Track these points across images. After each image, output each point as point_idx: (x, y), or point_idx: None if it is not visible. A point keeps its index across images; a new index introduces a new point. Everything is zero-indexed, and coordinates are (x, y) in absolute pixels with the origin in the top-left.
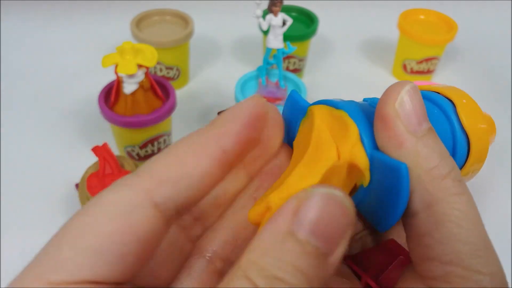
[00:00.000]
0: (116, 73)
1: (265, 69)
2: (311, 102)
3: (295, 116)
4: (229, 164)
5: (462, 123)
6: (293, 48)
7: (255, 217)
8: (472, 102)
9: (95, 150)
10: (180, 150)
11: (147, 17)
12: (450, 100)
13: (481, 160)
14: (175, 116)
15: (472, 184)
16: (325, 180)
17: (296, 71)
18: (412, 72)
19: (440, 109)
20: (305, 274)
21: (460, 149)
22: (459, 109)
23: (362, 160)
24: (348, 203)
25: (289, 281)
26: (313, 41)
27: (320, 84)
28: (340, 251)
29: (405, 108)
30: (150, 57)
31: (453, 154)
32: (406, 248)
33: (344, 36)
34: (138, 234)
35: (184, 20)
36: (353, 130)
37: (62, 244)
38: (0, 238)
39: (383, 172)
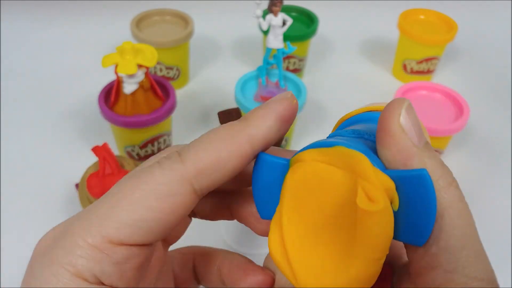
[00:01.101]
0: (116, 73)
1: (265, 69)
2: (311, 105)
3: (271, 180)
4: (254, 158)
5: None
6: (293, 48)
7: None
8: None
9: (95, 150)
10: (216, 139)
11: (147, 17)
12: None
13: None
14: (175, 116)
15: (472, 184)
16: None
17: (296, 71)
18: (412, 72)
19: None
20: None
21: None
22: None
23: (390, 182)
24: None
25: None
26: (313, 41)
27: (320, 84)
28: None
29: (407, 123)
30: (150, 57)
31: None
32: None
33: (344, 36)
34: (177, 215)
35: (184, 20)
36: (363, 158)
37: (119, 210)
38: (0, 238)
39: (404, 187)
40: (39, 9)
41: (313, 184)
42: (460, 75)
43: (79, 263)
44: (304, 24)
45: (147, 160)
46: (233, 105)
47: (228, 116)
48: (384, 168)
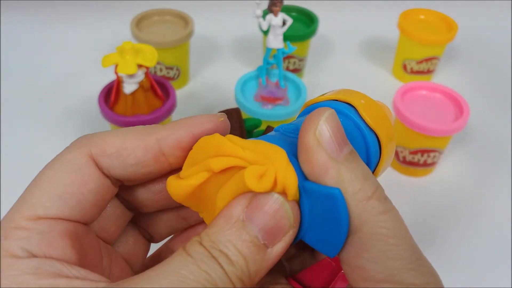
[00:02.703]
0: (116, 73)
1: (265, 69)
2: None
3: None
4: (168, 162)
5: (367, 122)
6: (293, 48)
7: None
8: (369, 99)
9: None
10: (126, 132)
11: (147, 17)
12: (349, 104)
13: (392, 140)
14: (175, 116)
15: (472, 184)
16: None
17: (296, 71)
18: (412, 72)
19: (345, 116)
20: (245, 257)
21: (373, 147)
22: (360, 111)
23: (293, 180)
24: (289, 209)
25: (231, 257)
26: (313, 41)
27: (320, 84)
28: (280, 246)
29: (325, 135)
30: (150, 57)
31: (368, 154)
32: None
33: (344, 36)
34: (88, 187)
35: (184, 20)
36: (282, 152)
37: (34, 191)
38: (0, 238)
39: (319, 201)
40: (39, 9)
41: (206, 148)
42: (460, 75)
43: (8, 244)
44: (304, 24)
45: None
46: (233, 105)
47: (228, 116)
48: (304, 178)
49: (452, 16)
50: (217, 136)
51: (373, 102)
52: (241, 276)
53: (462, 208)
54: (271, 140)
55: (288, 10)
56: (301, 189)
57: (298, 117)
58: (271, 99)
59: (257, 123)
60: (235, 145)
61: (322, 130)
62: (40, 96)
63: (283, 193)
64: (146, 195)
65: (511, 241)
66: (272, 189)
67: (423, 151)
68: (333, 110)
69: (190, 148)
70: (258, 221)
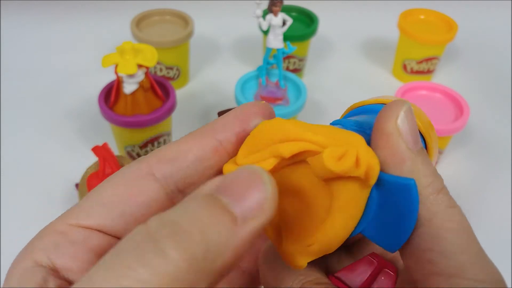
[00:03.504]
0: (116, 73)
1: (265, 69)
2: (311, 105)
3: None
4: (227, 152)
5: (418, 127)
6: (293, 48)
7: None
8: (414, 105)
9: (95, 150)
10: (180, 140)
11: (147, 17)
12: None
13: (436, 144)
14: (175, 116)
15: (472, 183)
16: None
17: (296, 71)
18: (412, 72)
19: None
20: (205, 231)
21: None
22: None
23: (375, 161)
24: (266, 177)
25: (188, 231)
26: (313, 41)
27: (320, 84)
28: (252, 224)
29: (405, 126)
30: (150, 57)
31: None
32: (388, 261)
33: (344, 36)
34: (137, 199)
35: (184, 20)
36: (360, 137)
37: (83, 200)
38: (0, 238)
39: (389, 191)
40: (39, 9)
41: (270, 133)
42: (460, 75)
43: (38, 247)
44: (304, 24)
45: None
46: (233, 105)
47: None
48: None
49: (452, 16)
50: (280, 120)
51: (418, 108)
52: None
53: (462, 208)
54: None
55: (288, 10)
56: None
57: (345, 117)
58: (271, 99)
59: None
60: (304, 129)
61: (403, 120)
62: (40, 96)
63: (365, 176)
64: None
65: (511, 241)
66: (353, 171)
67: None
68: (410, 104)
69: (246, 135)
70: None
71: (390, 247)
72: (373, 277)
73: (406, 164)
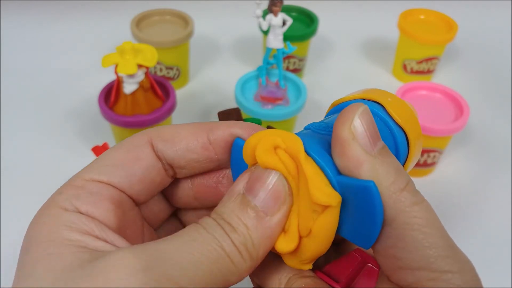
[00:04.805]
0: (116, 73)
1: (265, 69)
2: (311, 105)
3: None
4: (214, 152)
5: (395, 120)
6: (293, 48)
7: None
8: (396, 97)
9: (95, 150)
10: (180, 126)
11: (147, 17)
12: (377, 102)
13: (419, 137)
14: (175, 116)
15: (472, 184)
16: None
17: (296, 71)
18: (412, 72)
19: (374, 114)
20: (245, 225)
21: (402, 144)
22: (388, 109)
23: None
24: (285, 182)
25: (233, 225)
26: (313, 41)
27: (320, 84)
28: (278, 216)
29: (359, 130)
30: (150, 57)
31: (397, 150)
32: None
33: (344, 36)
34: (140, 163)
35: (184, 20)
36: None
37: (94, 162)
38: (0, 238)
39: (354, 193)
40: (39, 9)
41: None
42: (460, 75)
43: (61, 198)
44: (304, 24)
45: None
46: (233, 105)
47: (228, 116)
48: (337, 173)
49: (452, 16)
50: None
51: (400, 100)
52: (244, 242)
53: (462, 208)
54: (303, 137)
55: (288, 10)
56: (335, 184)
57: (326, 116)
58: (271, 99)
59: (257, 123)
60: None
61: (357, 125)
62: (40, 96)
63: (292, 158)
64: (188, 192)
65: (511, 241)
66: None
67: (423, 151)
68: (366, 106)
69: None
70: (256, 192)
71: (363, 244)
72: (356, 271)
73: (364, 167)
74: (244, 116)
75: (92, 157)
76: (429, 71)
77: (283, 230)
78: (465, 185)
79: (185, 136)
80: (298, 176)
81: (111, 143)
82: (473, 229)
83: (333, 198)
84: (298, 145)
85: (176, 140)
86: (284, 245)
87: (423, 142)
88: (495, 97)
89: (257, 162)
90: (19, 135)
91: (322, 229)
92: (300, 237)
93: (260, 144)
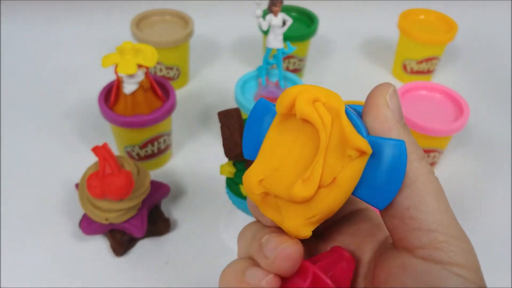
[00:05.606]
0: (116, 73)
1: (265, 69)
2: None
3: (263, 123)
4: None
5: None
6: (293, 48)
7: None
8: None
9: (95, 150)
10: None
11: (147, 17)
12: None
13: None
14: (175, 116)
15: (472, 183)
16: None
17: (296, 71)
18: (412, 72)
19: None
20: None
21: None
22: None
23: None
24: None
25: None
26: (313, 41)
27: (320, 84)
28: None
29: (392, 102)
30: (150, 57)
31: None
32: (349, 252)
33: (344, 36)
34: None
35: (184, 20)
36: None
37: None
38: (0, 238)
39: (380, 153)
40: (39, 9)
41: (292, 133)
42: (460, 75)
43: None
44: (304, 24)
45: None
46: (233, 105)
47: (228, 116)
48: (367, 133)
49: (452, 16)
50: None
51: None
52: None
53: (462, 208)
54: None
55: (288, 10)
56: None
57: None
58: (271, 99)
59: None
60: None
61: (391, 97)
62: (40, 96)
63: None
64: None
65: (511, 241)
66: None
67: (423, 151)
68: (395, 87)
69: None
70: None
71: (379, 204)
72: (332, 265)
73: (393, 132)
74: (244, 116)
75: (92, 157)
76: (429, 71)
77: (302, 179)
78: (465, 185)
79: None
80: (332, 128)
81: (111, 143)
82: (473, 229)
83: (369, 147)
84: (339, 101)
85: None
86: (301, 190)
87: (424, 142)
88: (495, 97)
89: (290, 112)
90: (19, 135)
91: (348, 176)
92: (319, 188)
93: (301, 95)
